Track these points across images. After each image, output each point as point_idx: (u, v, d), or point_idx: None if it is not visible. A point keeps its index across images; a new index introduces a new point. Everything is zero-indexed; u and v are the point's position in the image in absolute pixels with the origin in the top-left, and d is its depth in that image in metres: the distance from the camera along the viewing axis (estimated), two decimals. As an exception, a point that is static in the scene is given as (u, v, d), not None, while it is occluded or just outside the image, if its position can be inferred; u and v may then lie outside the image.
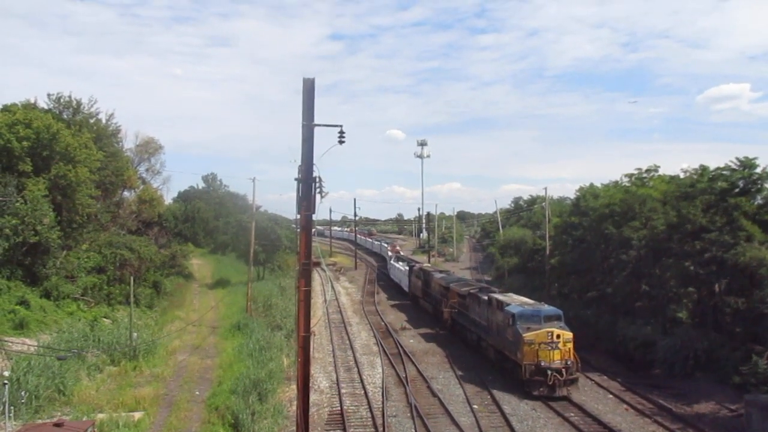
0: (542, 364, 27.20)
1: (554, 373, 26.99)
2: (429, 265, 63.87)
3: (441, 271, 51.95)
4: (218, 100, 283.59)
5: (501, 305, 30.96)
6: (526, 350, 27.58)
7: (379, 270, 78.24)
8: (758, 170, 31.97)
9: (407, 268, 60.27)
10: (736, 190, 32.34)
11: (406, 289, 58.80)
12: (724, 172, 33.08)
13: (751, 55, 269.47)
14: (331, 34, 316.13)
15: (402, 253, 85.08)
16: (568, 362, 27.48)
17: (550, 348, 27.48)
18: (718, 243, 30.58)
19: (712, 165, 34.53)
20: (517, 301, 31.32)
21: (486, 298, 33.88)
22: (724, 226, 31.18)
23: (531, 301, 31.94)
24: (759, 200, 32.27)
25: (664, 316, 35.73)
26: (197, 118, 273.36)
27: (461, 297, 39.00)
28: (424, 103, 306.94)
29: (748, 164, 32.23)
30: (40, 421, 21.61)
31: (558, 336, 27.69)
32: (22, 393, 22.71)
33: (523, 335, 27.74)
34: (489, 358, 33.16)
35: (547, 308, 29.81)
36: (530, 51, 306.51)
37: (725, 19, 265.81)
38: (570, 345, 27.81)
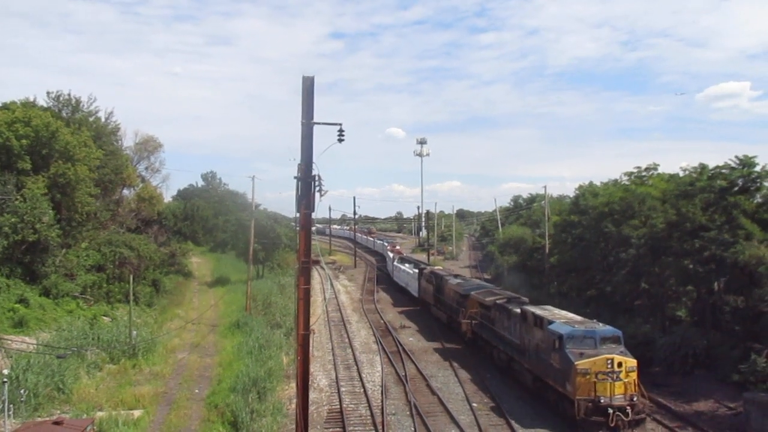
0: (601, 400, 21.91)
1: (617, 412, 21.80)
2: (441, 268, 58.47)
3: (456, 276, 46.80)
4: (218, 99, 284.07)
5: (541, 322, 25.74)
6: (580, 382, 22.26)
7: (379, 269, 78.16)
8: (757, 168, 31.94)
9: (416, 270, 55.38)
10: (736, 188, 32.31)
11: (414, 293, 53.95)
12: (724, 171, 33.04)
13: (752, 54, 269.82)
14: (331, 32, 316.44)
15: (404, 254, 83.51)
16: (634, 398, 22.26)
17: (610, 379, 22.25)
18: (717, 241, 30.57)
19: (712, 163, 34.48)
20: (560, 317, 25.71)
21: (518, 311, 28.66)
22: (724, 224, 31.17)
23: (579, 318, 26.20)
24: (758, 199, 32.23)
25: (663, 315, 35.81)
26: (197, 117, 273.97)
27: (484, 308, 33.80)
28: (424, 102, 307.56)
29: (747, 162, 32.21)
30: (39, 419, 21.60)
31: (620, 364, 22.46)
32: (22, 391, 22.70)
33: (575, 363, 22.46)
34: (524, 384, 28.11)
35: (602, 328, 24.14)
36: (530, 50, 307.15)
37: (725, 18, 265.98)
38: (634, 375, 22.72)
